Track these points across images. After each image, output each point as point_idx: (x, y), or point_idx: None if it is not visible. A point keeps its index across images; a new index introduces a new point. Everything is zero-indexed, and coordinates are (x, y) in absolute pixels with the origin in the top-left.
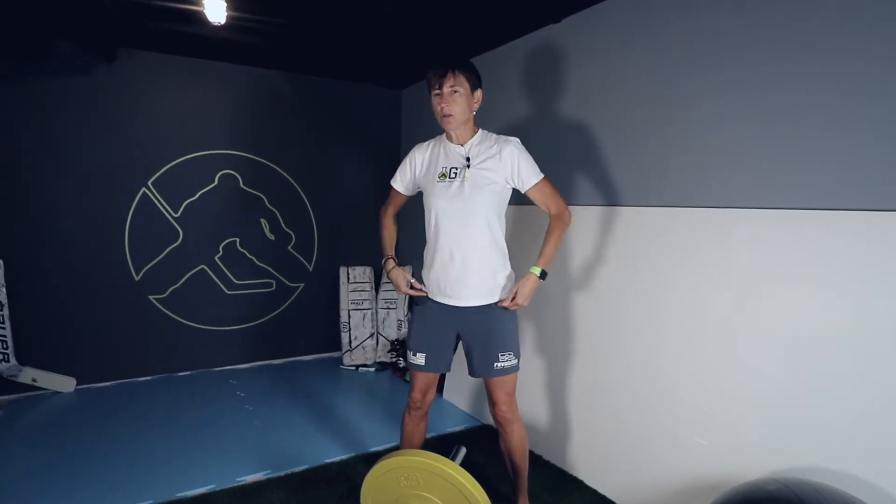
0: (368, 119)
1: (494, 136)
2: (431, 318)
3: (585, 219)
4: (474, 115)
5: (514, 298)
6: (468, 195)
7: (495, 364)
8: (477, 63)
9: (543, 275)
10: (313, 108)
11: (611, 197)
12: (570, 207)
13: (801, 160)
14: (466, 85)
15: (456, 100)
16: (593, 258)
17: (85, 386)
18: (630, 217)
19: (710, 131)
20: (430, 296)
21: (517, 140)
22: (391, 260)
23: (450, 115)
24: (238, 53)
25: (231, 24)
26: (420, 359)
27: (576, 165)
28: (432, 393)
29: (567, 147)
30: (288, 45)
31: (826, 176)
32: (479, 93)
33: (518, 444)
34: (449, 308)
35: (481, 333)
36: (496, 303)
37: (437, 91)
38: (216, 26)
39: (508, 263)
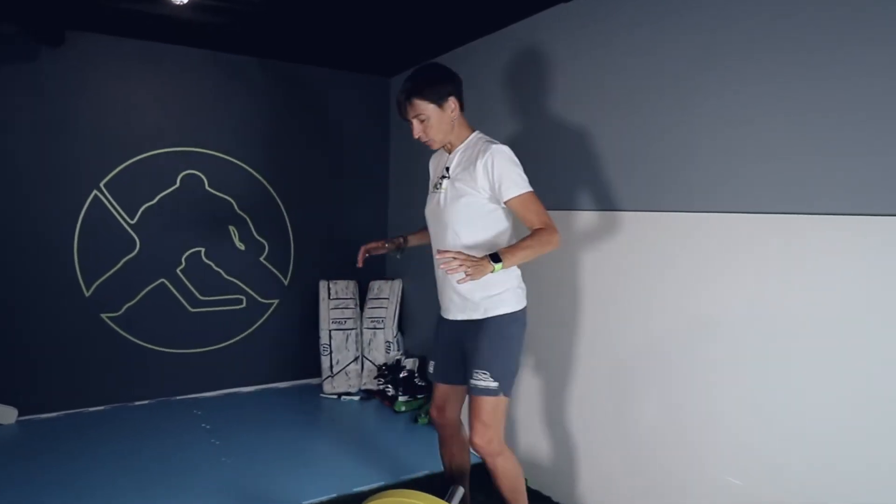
0: (352, 111)
1: (482, 142)
2: (442, 327)
3: (596, 225)
4: (466, 117)
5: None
6: (443, 207)
7: (471, 381)
8: (474, 49)
9: (496, 259)
10: (289, 98)
11: (624, 200)
12: (578, 213)
13: (849, 158)
14: (430, 107)
15: (428, 124)
16: (604, 268)
17: (28, 417)
18: (646, 222)
19: (740, 126)
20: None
21: (500, 147)
22: (396, 239)
23: (428, 141)
24: (204, 37)
25: (195, 3)
26: (431, 367)
27: (583, 164)
28: (452, 409)
29: (574, 144)
30: (260, 26)
31: (881, 176)
32: (451, 101)
33: (505, 481)
34: (450, 320)
35: (469, 347)
36: (484, 319)
37: (407, 121)
38: (178, 5)
39: (500, 281)
